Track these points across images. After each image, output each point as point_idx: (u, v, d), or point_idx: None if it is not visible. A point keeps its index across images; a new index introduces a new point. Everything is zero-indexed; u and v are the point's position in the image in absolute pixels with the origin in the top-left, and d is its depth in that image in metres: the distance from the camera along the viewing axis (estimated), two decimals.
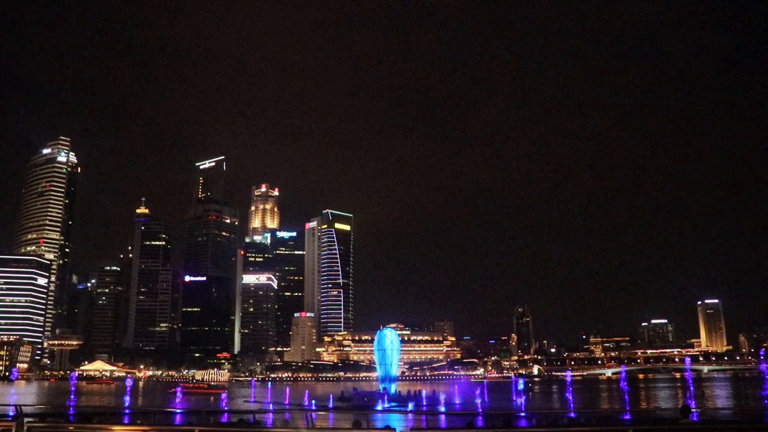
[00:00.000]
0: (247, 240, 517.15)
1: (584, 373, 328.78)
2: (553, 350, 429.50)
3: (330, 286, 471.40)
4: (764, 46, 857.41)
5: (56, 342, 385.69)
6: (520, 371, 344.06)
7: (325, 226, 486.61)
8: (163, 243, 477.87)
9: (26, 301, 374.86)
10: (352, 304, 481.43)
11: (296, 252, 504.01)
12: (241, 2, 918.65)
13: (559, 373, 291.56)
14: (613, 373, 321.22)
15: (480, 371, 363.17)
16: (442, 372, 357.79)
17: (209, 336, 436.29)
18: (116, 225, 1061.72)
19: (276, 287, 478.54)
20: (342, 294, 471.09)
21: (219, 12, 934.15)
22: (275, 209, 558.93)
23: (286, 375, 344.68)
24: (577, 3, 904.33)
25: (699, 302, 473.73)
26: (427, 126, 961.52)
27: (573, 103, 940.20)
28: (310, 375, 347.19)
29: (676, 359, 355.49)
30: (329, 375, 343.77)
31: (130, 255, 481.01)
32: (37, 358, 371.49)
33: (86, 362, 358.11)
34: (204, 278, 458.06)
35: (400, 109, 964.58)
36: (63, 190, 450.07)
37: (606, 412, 71.67)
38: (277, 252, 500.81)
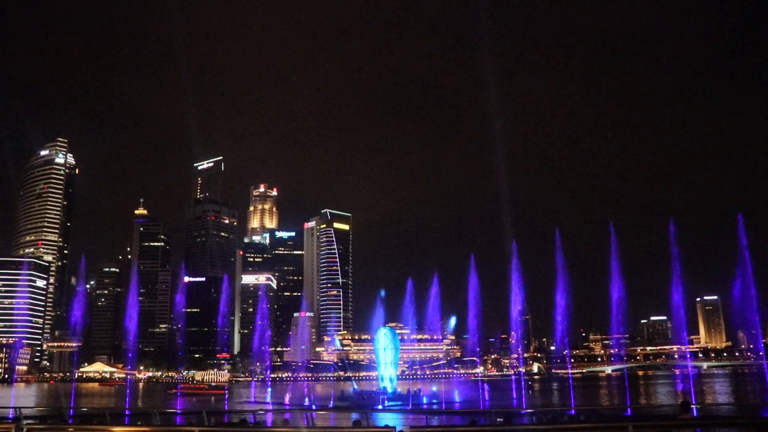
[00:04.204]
0: (246, 240, 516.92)
1: (584, 371, 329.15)
2: (552, 348, 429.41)
3: (329, 285, 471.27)
4: (764, 46, 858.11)
5: (55, 344, 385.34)
6: (520, 369, 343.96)
7: (324, 225, 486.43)
8: (162, 244, 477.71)
9: (25, 304, 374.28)
10: (351, 303, 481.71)
11: (295, 252, 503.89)
12: (239, 3, 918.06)
13: (559, 371, 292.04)
14: (613, 371, 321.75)
15: (480, 369, 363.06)
16: (441, 370, 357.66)
17: (209, 337, 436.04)
18: (115, 226, 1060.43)
19: (275, 287, 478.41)
20: (341, 293, 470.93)
21: (216, 13, 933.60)
22: (274, 209, 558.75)
23: (286, 375, 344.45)
24: (577, 2, 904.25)
25: (698, 299, 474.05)
26: (426, 125, 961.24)
27: (571, 103, 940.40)
28: (309, 375, 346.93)
29: (676, 356, 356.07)
30: (329, 375, 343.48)
31: (129, 256, 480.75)
32: (36, 360, 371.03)
33: (86, 364, 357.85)
34: (203, 279, 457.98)
35: (399, 109, 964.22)
36: (61, 191, 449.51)
37: (606, 409, 71.73)
38: (276, 252, 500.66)
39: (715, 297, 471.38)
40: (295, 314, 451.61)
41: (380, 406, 79.78)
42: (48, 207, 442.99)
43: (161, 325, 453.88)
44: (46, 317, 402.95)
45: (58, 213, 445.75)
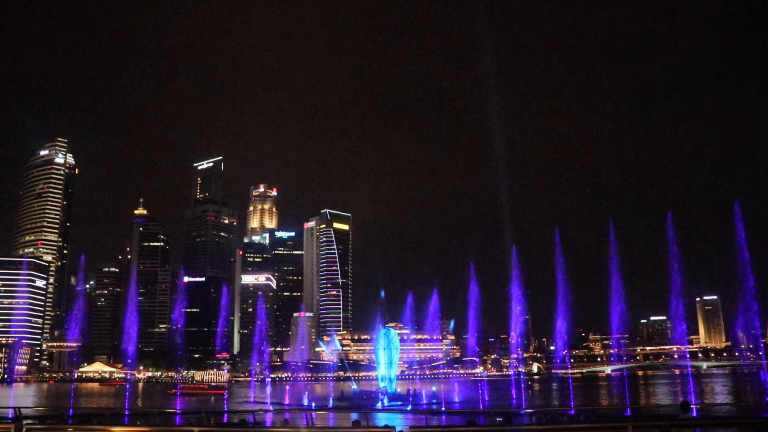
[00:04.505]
0: (246, 240, 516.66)
1: (584, 371, 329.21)
2: (552, 348, 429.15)
3: (329, 285, 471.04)
4: (764, 46, 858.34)
5: (55, 344, 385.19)
6: (520, 369, 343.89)
7: (324, 225, 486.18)
8: (162, 244, 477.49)
9: (25, 303, 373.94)
10: (351, 303, 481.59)
11: (295, 252, 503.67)
12: (240, 3, 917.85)
13: (559, 371, 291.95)
14: (612, 371, 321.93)
15: (480, 369, 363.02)
16: (441, 370, 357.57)
17: (208, 336, 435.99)
18: (114, 226, 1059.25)
19: (275, 287, 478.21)
20: (341, 293, 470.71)
21: (217, 12, 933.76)
22: (274, 209, 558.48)
23: (286, 375, 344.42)
24: (577, 2, 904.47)
25: (698, 299, 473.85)
26: (425, 125, 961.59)
27: (571, 103, 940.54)
28: (309, 375, 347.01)
29: (675, 356, 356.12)
30: (329, 375, 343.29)
31: (129, 256, 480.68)
32: (35, 360, 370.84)
33: (85, 364, 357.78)
34: (203, 279, 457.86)
35: (399, 109, 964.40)
36: (61, 191, 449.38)
37: (606, 409, 71.72)
38: (276, 252, 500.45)
39: (715, 297, 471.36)
40: (295, 314, 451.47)
41: (380, 406, 79.81)
42: (48, 207, 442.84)
43: (161, 325, 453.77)
44: (46, 317, 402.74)
45: (58, 213, 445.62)
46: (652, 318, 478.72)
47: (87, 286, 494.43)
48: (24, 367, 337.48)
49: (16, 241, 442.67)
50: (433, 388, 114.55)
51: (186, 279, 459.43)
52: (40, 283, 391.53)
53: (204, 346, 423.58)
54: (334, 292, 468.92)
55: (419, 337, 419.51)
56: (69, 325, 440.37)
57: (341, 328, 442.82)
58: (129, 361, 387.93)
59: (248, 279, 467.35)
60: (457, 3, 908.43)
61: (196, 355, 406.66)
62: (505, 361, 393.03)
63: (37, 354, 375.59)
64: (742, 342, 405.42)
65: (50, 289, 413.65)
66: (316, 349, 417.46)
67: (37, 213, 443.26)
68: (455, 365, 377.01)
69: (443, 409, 71.19)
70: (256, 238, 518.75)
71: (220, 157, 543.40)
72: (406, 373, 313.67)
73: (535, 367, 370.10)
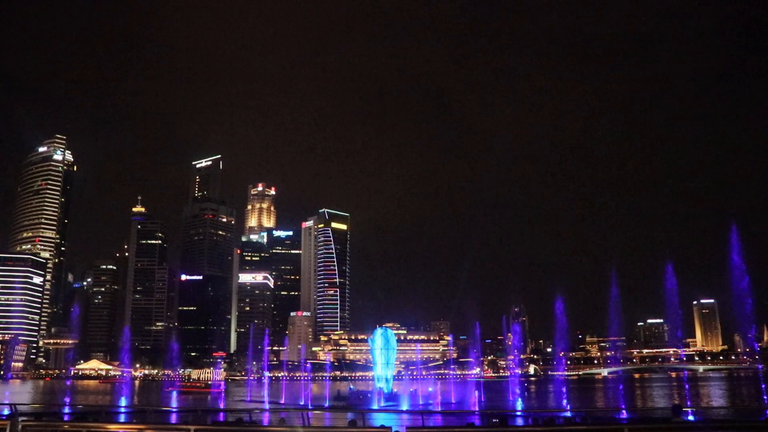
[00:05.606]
0: (244, 239, 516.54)
1: (581, 373, 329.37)
2: (549, 350, 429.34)
3: (326, 285, 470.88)
4: (764, 46, 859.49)
5: (52, 341, 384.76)
6: (517, 371, 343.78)
7: (322, 225, 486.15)
8: (160, 242, 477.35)
9: (22, 300, 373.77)
10: (348, 303, 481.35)
11: (293, 251, 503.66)
12: (239, 2, 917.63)
13: (555, 373, 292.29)
14: (609, 373, 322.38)
15: (477, 370, 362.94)
16: (438, 371, 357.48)
17: (205, 335, 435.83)
18: (112, 223, 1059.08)
19: (272, 286, 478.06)
20: (338, 293, 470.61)
21: (216, 10, 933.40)
22: (272, 208, 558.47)
23: (283, 374, 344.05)
24: (577, 3, 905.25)
25: (695, 302, 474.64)
26: (424, 126, 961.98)
27: (571, 103, 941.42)
28: (306, 374, 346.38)
29: (672, 359, 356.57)
30: (325, 374, 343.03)
31: (126, 254, 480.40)
32: (32, 357, 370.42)
33: (82, 361, 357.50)
34: (200, 277, 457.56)
35: (397, 109, 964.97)
36: (59, 188, 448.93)
37: (601, 411, 71.82)
38: (274, 251, 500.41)
39: (712, 300, 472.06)
40: (292, 313, 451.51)
41: (376, 406, 79.87)
42: (46, 204, 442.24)
43: (158, 323, 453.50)
44: (43, 314, 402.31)
45: (56, 210, 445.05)
46: (649, 321, 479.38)
47: (84, 283, 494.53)
48: (20, 364, 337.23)
49: (14, 237, 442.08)
50: (430, 389, 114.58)
51: (183, 277, 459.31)
52: (37, 279, 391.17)
53: (201, 344, 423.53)
54: (332, 292, 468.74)
55: (416, 337, 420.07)
56: (66, 323, 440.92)
57: (338, 328, 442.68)
58: (125, 358, 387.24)
59: (246, 278, 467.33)
60: (458, 3, 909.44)
61: (193, 354, 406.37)
62: (502, 362, 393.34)
63: (33, 351, 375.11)
64: (739, 346, 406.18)
65: (47, 286, 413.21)
66: (313, 349, 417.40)
67: (35, 210, 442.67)
68: (452, 366, 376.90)
69: (440, 409, 71.30)
70: (254, 237, 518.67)
71: (219, 156, 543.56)
72: (402, 373, 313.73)
73: (531, 369, 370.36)
